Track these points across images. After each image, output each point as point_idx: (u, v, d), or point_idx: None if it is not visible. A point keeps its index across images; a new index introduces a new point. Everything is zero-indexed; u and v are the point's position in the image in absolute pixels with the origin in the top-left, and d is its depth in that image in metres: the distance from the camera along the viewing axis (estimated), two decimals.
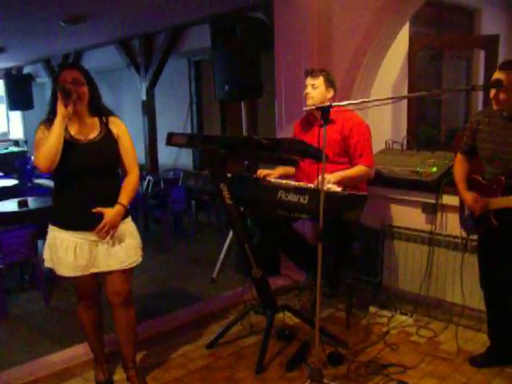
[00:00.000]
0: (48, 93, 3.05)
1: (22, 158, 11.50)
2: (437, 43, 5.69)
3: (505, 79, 2.85)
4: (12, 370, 3.43)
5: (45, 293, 4.76)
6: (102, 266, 3.00)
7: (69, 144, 2.88)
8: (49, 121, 2.89)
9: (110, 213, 2.92)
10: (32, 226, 4.68)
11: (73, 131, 2.96)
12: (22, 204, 5.35)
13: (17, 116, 13.29)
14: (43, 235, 5.16)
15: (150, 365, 3.52)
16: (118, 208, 2.96)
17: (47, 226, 3.08)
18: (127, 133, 3.10)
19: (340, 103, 3.12)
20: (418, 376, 3.29)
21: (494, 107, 2.99)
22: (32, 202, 5.47)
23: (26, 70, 11.91)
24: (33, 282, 5.16)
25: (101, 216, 2.90)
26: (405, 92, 5.04)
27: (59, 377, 3.37)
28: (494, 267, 3.24)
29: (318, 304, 2.97)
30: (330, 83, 3.75)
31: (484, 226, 3.12)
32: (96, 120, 3.03)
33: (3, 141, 13.28)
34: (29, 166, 10.55)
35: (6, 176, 8.53)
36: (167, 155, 8.70)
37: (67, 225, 2.95)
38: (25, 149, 12.47)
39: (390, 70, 4.81)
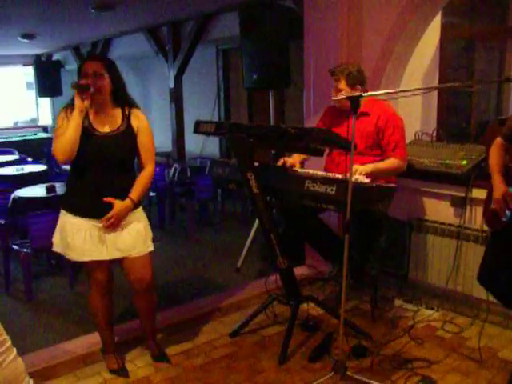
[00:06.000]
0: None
1: (51, 143, 11.58)
2: (469, 34, 5.59)
3: None
4: (36, 353, 3.47)
5: (70, 278, 4.82)
6: (109, 254, 3.05)
7: (86, 133, 2.92)
8: (71, 107, 2.92)
9: (118, 205, 2.98)
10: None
11: (93, 120, 2.99)
12: (50, 189, 5.41)
13: (46, 102, 13.44)
14: None
15: (173, 352, 3.54)
16: (127, 202, 3.01)
17: None
18: (148, 127, 3.12)
19: (369, 93, 3.08)
20: (442, 371, 3.26)
21: None
22: (60, 188, 5.51)
23: (55, 57, 12.02)
24: (59, 267, 5.23)
25: (111, 206, 2.95)
26: (436, 83, 4.96)
27: (83, 361, 3.41)
28: (506, 266, 3.02)
29: (343, 295, 2.95)
30: (353, 81, 3.63)
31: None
32: (119, 111, 3.06)
33: (32, 127, 13.46)
34: None
35: (35, 161, 8.61)
36: (194, 143, 8.71)
37: (79, 211, 3.00)
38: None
39: (420, 60, 4.72)
